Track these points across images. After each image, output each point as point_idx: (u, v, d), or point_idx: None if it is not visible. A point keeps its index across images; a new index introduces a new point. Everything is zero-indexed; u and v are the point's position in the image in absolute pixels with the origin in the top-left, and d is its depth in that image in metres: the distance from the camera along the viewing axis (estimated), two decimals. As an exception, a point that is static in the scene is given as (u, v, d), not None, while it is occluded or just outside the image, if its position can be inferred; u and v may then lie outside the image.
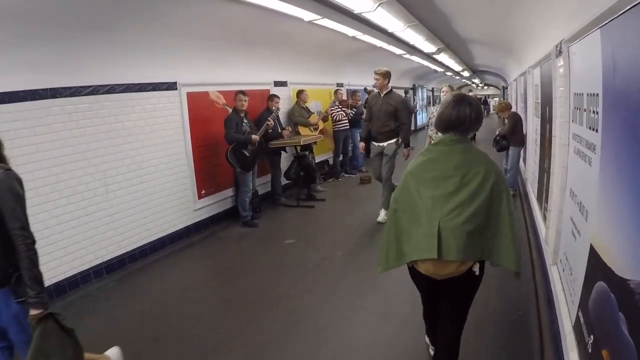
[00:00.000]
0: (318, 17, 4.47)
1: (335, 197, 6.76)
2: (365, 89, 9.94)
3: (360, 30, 5.65)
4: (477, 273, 1.92)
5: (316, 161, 7.70)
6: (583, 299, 1.94)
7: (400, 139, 5.12)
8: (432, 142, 2.15)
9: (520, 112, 6.98)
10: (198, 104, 5.17)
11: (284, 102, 6.99)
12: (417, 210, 1.91)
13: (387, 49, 7.65)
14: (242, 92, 5.18)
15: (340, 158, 8.33)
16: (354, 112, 8.13)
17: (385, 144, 5.11)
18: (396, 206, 2.02)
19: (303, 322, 3.09)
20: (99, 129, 4.10)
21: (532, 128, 5.18)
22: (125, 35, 4.05)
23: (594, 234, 1.82)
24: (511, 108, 6.36)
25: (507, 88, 16.96)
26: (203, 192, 5.30)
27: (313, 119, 7.12)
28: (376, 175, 5.31)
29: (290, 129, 6.34)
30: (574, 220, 2.36)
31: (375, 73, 4.95)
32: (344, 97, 8.18)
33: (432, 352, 2.34)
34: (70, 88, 3.82)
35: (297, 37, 5.95)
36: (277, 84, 6.91)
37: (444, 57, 9.67)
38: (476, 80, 23.97)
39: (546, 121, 3.81)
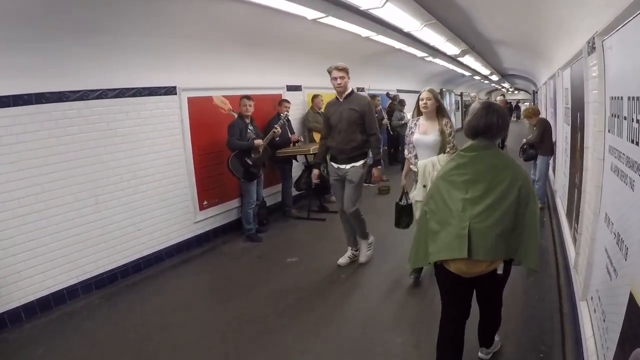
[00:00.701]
0: (322, 15, 4.07)
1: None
2: (387, 94, 9.51)
3: (374, 30, 5.23)
4: (499, 272, 2.02)
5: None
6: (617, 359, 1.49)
7: (368, 160, 3.91)
8: (462, 147, 2.11)
9: (550, 118, 6.39)
10: (200, 109, 4.90)
11: (298, 108, 6.67)
12: (447, 212, 1.99)
13: (407, 51, 7.21)
14: (247, 97, 4.87)
15: None
16: (373, 118, 7.66)
17: (348, 166, 3.82)
18: (427, 209, 2.10)
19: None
20: (90, 136, 3.87)
21: (561, 136, 4.61)
22: (119, 37, 3.83)
23: (636, 280, 1.37)
24: (539, 114, 5.78)
25: (537, 92, 16.05)
26: (205, 203, 5.01)
27: (329, 124, 6.70)
28: (340, 206, 3.98)
29: (301, 138, 5.94)
30: (609, 253, 1.89)
31: (336, 69, 3.67)
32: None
33: None
34: (57, 93, 3.61)
35: (311, 38, 5.63)
36: (290, 88, 6.59)
37: (469, 60, 9.11)
38: (506, 85, 22.91)
39: (577, 129, 3.31)
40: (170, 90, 4.60)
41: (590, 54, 2.53)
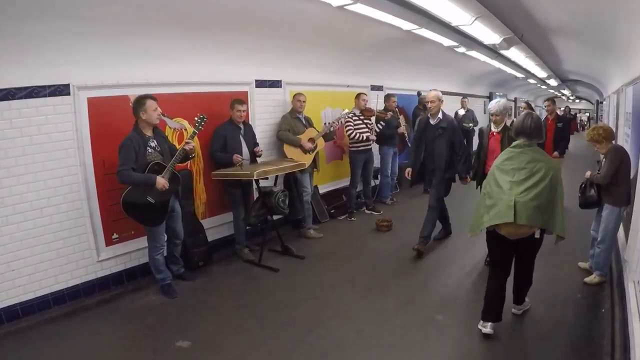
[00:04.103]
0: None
1: (325, 253, 4.34)
2: (418, 93, 7.54)
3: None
4: (537, 237, 2.55)
5: (322, 192, 5.60)
6: None
7: None
8: (511, 145, 2.64)
9: (624, 144, 4.14)
10: (109, 113, 3.40)
11: (276, 110, 4.88)
12: (499, 191, 2.52)
13: (430, 39, 5.10)
14: (150, 97, 3.16)
15: (359, 188, 5.74)
16: (382, 126, 5.68)
17: None
18: (485, 191, 2.63)
19: None
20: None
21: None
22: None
23: None
24: (613, 138, 3.42)
25: (602, 103, 12.58)
26: (115, 236, 3.54)
27: (309, 134, 4.65)
28: None
29: (258, 150, 4.17)
30: None
31: None
32: (369, 106, 5.58)
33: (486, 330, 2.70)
34: None
35: (283, 16, 3.91)
36: (262, 84, 4.69)
37: (517, 55, 6.62)
38: (566, 92, 18.52)
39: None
40: (60, 90, 3.16)
41: None
